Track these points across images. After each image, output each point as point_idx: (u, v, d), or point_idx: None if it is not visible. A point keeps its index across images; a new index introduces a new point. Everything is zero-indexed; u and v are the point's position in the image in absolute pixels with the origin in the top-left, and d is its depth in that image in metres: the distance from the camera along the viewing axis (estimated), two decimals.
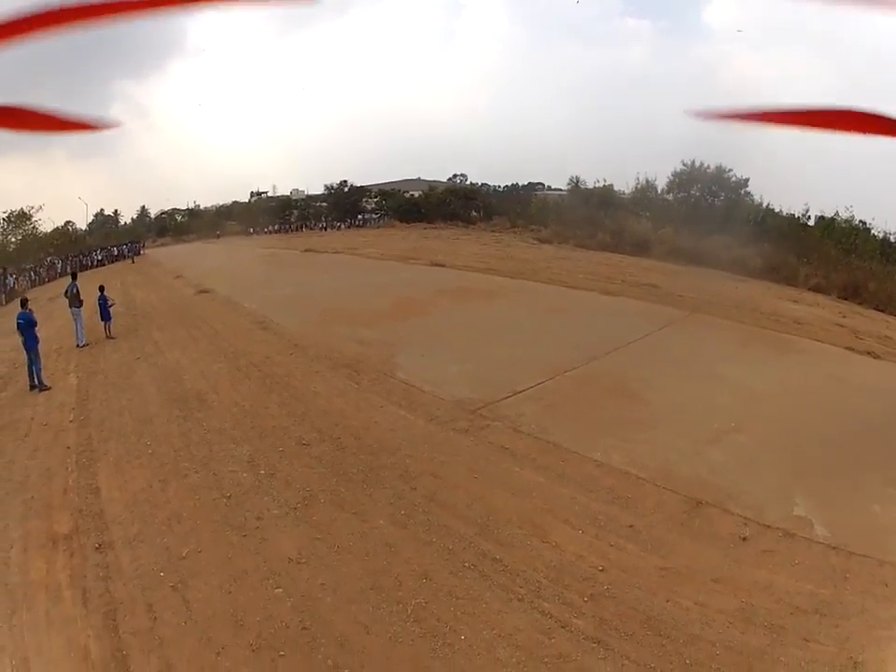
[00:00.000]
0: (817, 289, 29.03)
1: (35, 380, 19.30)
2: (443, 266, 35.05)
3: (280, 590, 9.39)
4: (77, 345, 23.75)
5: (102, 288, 25.48)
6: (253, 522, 11.08)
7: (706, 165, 37.10)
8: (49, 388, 19.21)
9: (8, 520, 11.57)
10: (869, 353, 20.37)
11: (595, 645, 8.07)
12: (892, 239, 32.72)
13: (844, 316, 24.92)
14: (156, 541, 10.64)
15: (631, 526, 10.52)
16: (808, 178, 31.74)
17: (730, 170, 36.69)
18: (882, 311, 26.60)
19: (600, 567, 9.60)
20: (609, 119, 38.53)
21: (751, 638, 8.03)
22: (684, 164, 37.53)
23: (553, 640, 8.21)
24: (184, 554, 10.29)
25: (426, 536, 10.59)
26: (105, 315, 24.87)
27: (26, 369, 19.57)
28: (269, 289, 31.22)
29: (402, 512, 11.23)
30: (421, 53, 57.75)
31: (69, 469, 13.44)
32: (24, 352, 19.48)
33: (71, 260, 38.54)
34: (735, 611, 8.53)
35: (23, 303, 21.17)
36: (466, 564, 9.87)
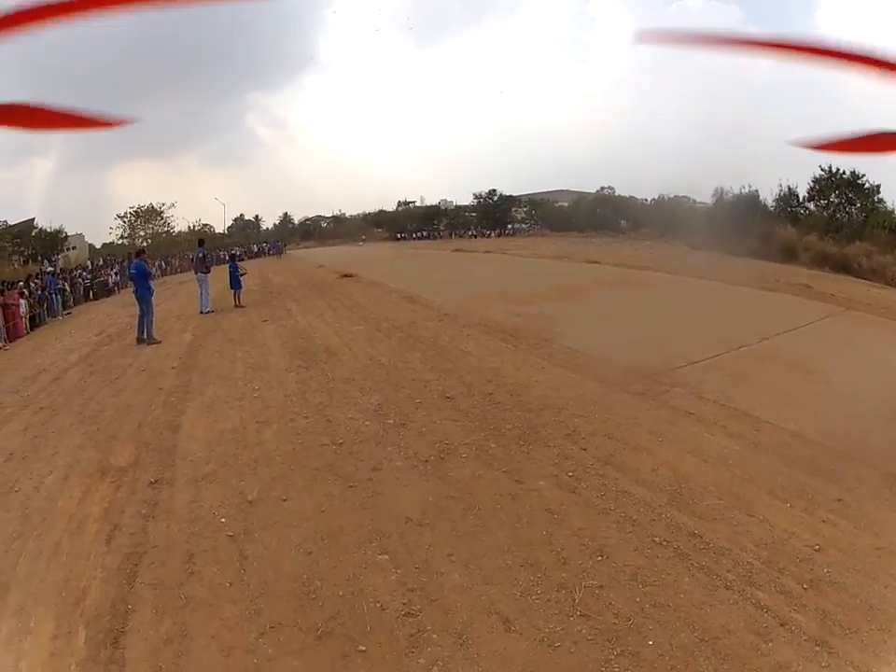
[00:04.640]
0: None
1: (144, 333, 17.42)
2: (598, 263, 31.65)
3: (385, 557, 6.65)
4: (201, 312, 21.41)
5: (233, 257, 24.40)
6: (366, 473, 8.51)
7: (841, 171, 33.82)
8: (159, 342, 17.23)
9: (60, 448, 9.93)
10: None
11: (817, 648, 5.44)
12: None
13: None
14: (230, 483, 8.37)
15: (840, 500, 7.93)
16: None
17: (863, 175, 33.35)
18: None
19: (816, 547, 6.96)
20: (744, 127, 35.32)
21: None
22: (822, 170, 34.44)
23: (769, 645, 5.47)
24: (260, 500, 7.93)
25: (601, 502, 7.75)
26: (235, 284, 22.52)
27: (136, 322, 17.73)
28: (417, 276, 28.34)
29: (570, 474, 8.41)
30: (558, 65, 55.51)
31: (152, 407, 11.55)
32: (136, 304, 17.75)
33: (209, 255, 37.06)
34: None
35: (138, 254, 19.73)
36: (656, 539, 6.99)
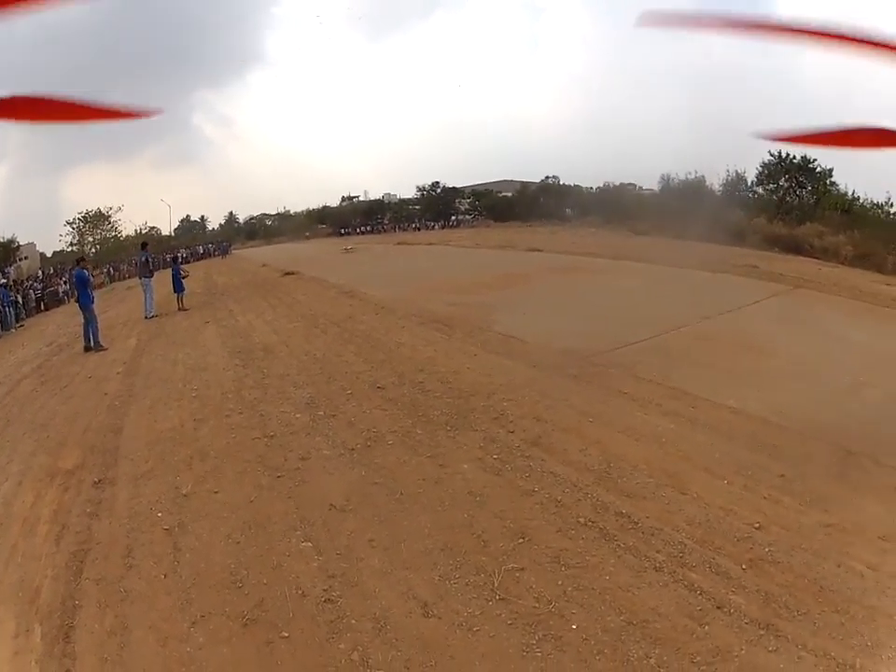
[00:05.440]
0: None
1: (91, 341, 17.56)
2: (541, 251, 31.84)
3: (308, 544, 6.72)
4: (146, 317, 21.53)
5: (176, 259, 24.70)
6: (294, 463, 8.65)
7: (791, 156, 34.51)
8: (105, 349, 17.36)
9: (14, 456, 10.15)
10: None
11: (762, 632, 5.26)
12: None
13: None
14: (166, 479, 8.53)
15: (783, 476, 7.75)
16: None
17: (814, 160, 33.92)
18: None
19: (756, 525, 6.73)
20: (699, 114, 35.72)
21: None
22: (772, 155, 35.06)
23: (706, 628, 5.32)
24: (194, 494, 8.08)
25: (525, 484, 7.73)
26: (178, 287, 22.75)
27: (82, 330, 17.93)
28: (359, 271, 29.04)
29: (495, 457, 8.45)
30: (507, 57, 55.56)
31: (98, 412, 11.77)
32: (80, 312, 17.91)
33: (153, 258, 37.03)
34: None
35: (78, 261, 19.72)
36: (580, 519, 6.93)
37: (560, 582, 5.86)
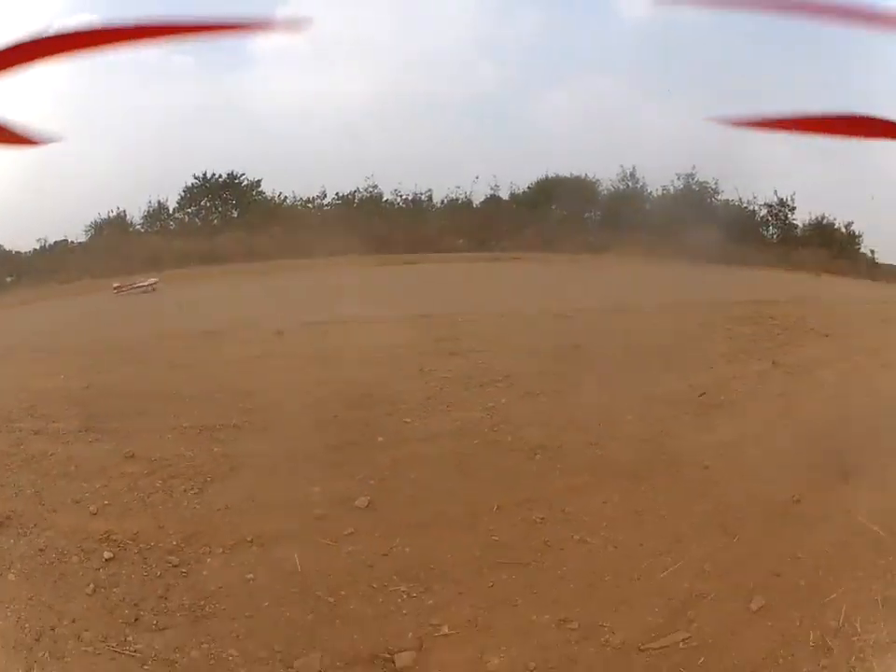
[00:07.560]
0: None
1: None
2: None
3: None
4: None
5: None
6: None
7: (217, 176, 36.20)
8: None
9: None
10: None
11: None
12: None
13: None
14: None
15: None
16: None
17: (242, 174, 36.08)
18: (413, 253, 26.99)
19: None
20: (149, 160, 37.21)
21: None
22: (196, 178, 36.09)
23: None
24: None
25: None
26: None
27: None
28: None
29: None
30: None
31: None
32: None
33: None
34: None
35: None
36: None
37: None
